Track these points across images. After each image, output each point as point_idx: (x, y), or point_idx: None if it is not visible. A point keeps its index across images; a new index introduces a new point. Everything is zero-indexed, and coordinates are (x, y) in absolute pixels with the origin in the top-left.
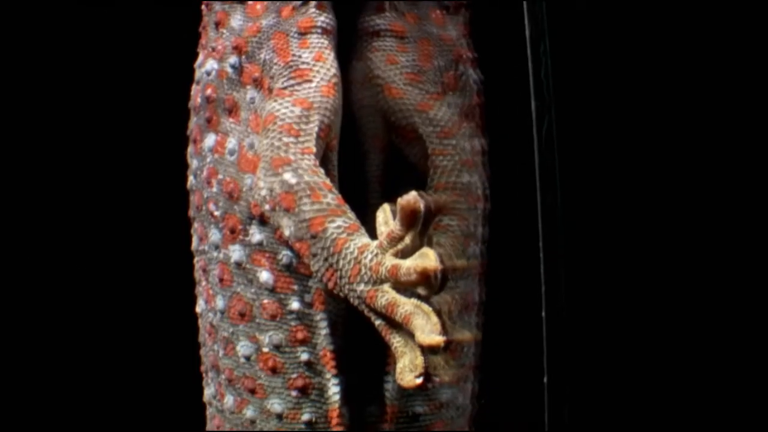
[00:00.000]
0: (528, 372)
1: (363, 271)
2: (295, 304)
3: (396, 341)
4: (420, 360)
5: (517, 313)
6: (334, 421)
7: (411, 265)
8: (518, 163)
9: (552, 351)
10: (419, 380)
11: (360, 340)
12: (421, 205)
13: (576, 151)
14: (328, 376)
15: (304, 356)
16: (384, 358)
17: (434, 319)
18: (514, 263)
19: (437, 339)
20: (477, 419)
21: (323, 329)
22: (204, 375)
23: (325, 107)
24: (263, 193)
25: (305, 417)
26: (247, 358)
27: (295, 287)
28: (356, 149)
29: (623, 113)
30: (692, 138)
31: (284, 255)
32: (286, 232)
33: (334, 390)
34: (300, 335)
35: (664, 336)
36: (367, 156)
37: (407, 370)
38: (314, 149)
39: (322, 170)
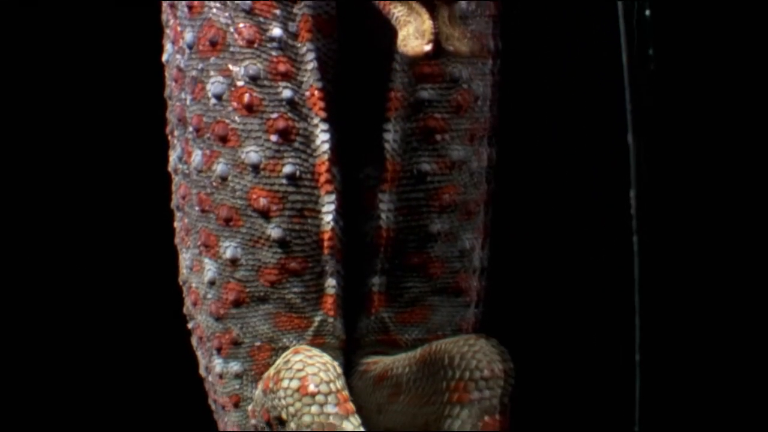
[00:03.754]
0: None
1: None
2: (276, 31)
3: (397, 10)
4: (428, 24)
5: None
6: (323, 177)
7: None
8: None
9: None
10: (428, 47)
11: (355, 87)
12: None
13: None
14: (315, 120)
15: (287, 93)
16: (383, 104)
17: None
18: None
19: None
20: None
21: (310, 63)
22: (170, 137)
23: None
24: None
25: (287, 169)
26: (219, 98)
27: (278, 12)
28: None
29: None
30: None
31: None
32: None
33: (322, 138)
34: (282, 67)
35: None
36: None
37: (412, 38)
38: None
39: None
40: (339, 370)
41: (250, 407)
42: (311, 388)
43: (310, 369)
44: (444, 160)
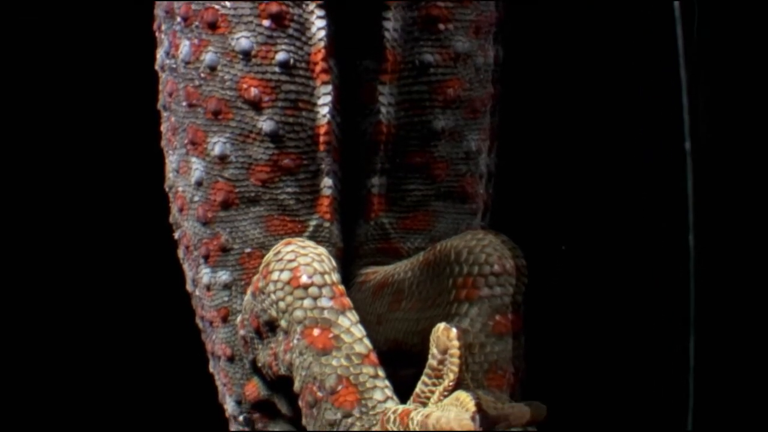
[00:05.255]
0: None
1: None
2: None
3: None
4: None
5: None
6: (319, 66)
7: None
8: None
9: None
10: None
11: None
12: None
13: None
14: (310, 7)
15: None
16: None
17: None
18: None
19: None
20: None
21: None
22: (157, 33)
23: None
24: None
25: (280, 56)
26: None
27: None
28: None
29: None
30: None
31: None
32: None
33: (318, 25)
34: None
35: None
36: None
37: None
38: None
39: None
40: (334, 263)
41: (239, 318)
42: (304, 279)
43: (302, 259)
44: (447, 51)
